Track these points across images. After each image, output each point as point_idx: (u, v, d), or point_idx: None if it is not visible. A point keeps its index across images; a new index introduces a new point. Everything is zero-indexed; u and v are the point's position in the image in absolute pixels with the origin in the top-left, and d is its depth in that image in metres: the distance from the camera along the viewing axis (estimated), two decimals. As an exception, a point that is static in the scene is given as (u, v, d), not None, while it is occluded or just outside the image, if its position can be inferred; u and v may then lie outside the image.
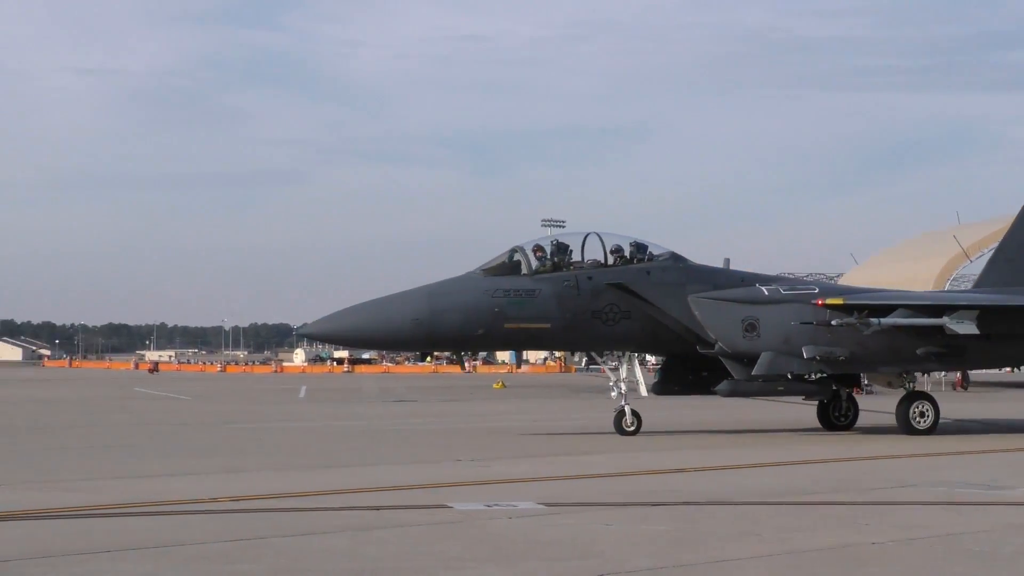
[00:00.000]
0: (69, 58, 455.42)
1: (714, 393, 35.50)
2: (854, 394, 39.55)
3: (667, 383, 37.45)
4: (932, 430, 35.87)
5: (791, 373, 34.91)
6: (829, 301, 35.10)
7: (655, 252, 36.16)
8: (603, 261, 35.40)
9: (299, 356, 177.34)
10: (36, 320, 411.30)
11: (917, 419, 36.05)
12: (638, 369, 36.27)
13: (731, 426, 39.68)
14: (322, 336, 38.08)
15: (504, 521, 18.31)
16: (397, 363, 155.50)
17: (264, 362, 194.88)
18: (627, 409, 35.76)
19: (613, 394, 36.11)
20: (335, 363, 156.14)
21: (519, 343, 38.30)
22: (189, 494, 21.38)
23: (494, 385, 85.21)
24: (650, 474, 25.29)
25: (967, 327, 35.16)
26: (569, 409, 53.64)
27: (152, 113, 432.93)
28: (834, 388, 37.03)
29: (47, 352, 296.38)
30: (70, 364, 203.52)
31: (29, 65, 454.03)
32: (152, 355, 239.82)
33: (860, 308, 35.12)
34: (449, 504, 19.93)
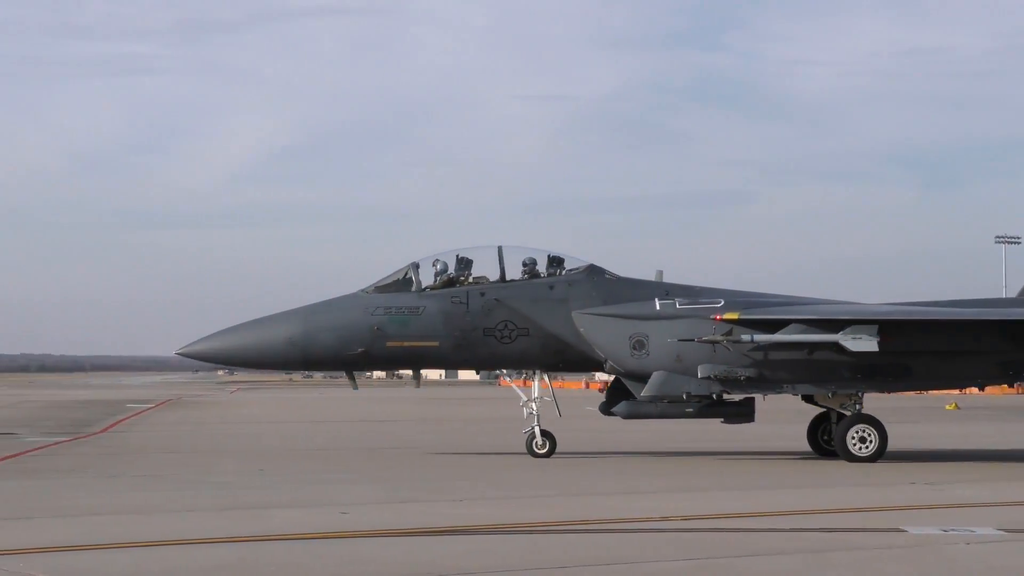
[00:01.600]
0: (517, 86, 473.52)
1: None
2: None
3: (613, 404, 34.60)
4: (876, 457, 32.75)
5: (687, 394, 32.45)
6: (725, 316, 32.27)
7: (571, 266, 34.42)
8: (505, 276, 33.95)
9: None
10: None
11: (857, 445, 32.90)
12: (551, 388, 35.08)
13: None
14: (197, 356, 35.63)
15: (961, 547, 17.70)
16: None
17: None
18: (537, 431, 34.22)
19: (525, 414, 34.57)
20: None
21: (404, 362, 35.84)
22: (637, 512, 21.72)
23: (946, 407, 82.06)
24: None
25: (864, 344, 31.84)
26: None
27: (600, 137, 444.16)
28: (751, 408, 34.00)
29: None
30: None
31: (481, 94, 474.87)
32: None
33: (758, 324, 32.25)
34: (903, 528, 19.41)
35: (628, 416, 34.24)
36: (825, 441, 35.55)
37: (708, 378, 32.45)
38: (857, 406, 33.57)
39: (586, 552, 17.28)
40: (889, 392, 37.81)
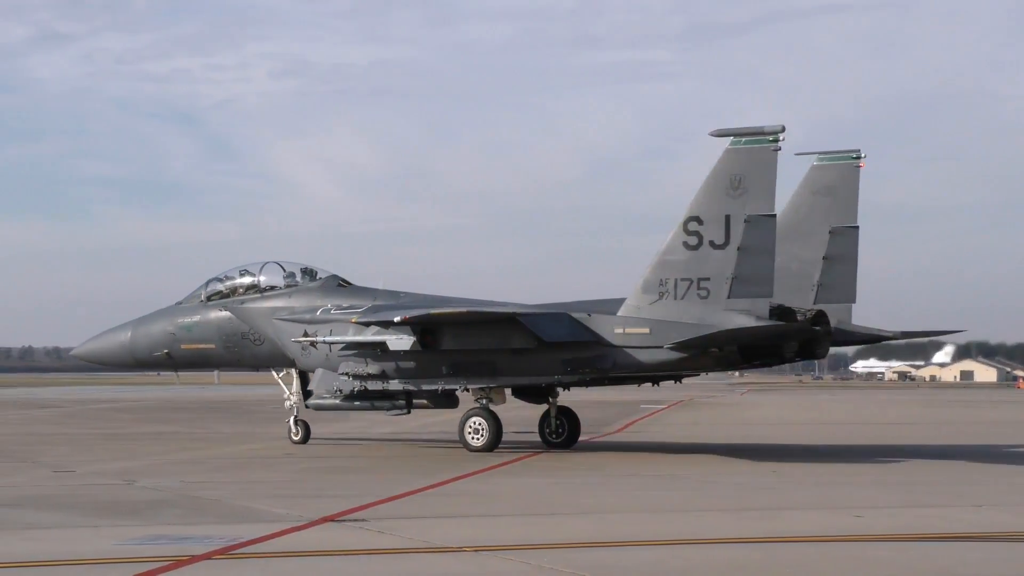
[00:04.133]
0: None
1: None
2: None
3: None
4: (490, 447, 36.08)
5: (340, 389, 36.75)
6: (354, 319, 35.60)
7: (320, 276, 39.50)
8: (266, 286, 39.17)
9: None
10: (1011, 341, 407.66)
11: (471, 435, 36.49)
12: (297, 385, 39.33)
13: None
14: (78, 357, 43.16)
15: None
16: None
17: None
18: (290, 421, 39.78)
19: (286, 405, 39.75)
20: None
21: (196, 363, 41.13)
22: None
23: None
24: None
25: (403, 344, 35.24)
26: None
27: None
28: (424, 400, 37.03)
29: (1021, 373, 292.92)
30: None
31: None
32: None
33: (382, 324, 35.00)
34: None
35: (318, 409, 38.43)
36: (548, 435, 39.15)
37: (347, 375, 36.69)
38: (484, 400, 36.82)
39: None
40: (483, 385, 36.89)
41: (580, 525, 20.79)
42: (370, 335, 35.63)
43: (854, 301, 38.55)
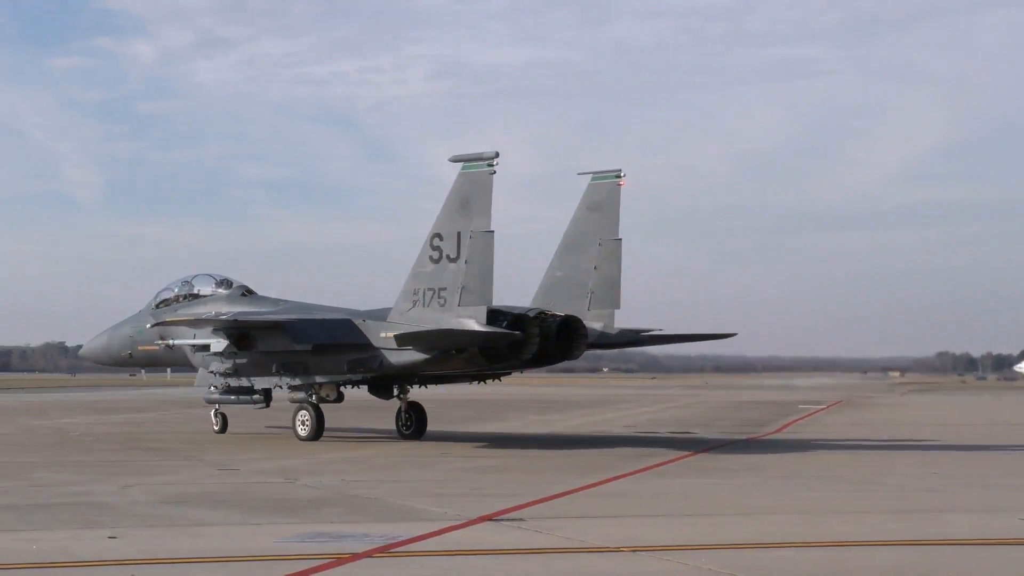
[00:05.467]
0: None
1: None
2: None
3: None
4: (314, 437, 41.13)
5: (214, 386, 42.58)
6: (149, 325, 43.78)
7: (234, 286, 44.86)
8: (195, 295, 45.01)
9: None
10: None
11: (300, 426, 41.68)
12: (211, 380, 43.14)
13: None
14: (81, 357, 51.21)
15: None
16: None
17: None
18: (211, 413, 45.07)
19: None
20: None
21: (151, 363, 47.69)
22: None
23: None
24: None
25: (220, 345, 41.20)
26: None
27: None
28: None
29: None
30: None
31: None
32: None
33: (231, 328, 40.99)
34: None
35: (207, 402, 44.05)
36: (400, 428, 43.83)
37: (213, 373, 42.28)
38: (313, 396, 41.34)
39: None
40: (298, 383, 41.40)
41: (737, 526, 20.65)
42: (213, 339, 41.29)
43: (618, 307, 42.26)
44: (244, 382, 41.90)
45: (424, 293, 37.57)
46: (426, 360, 38.35)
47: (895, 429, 53.04)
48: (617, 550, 17.69)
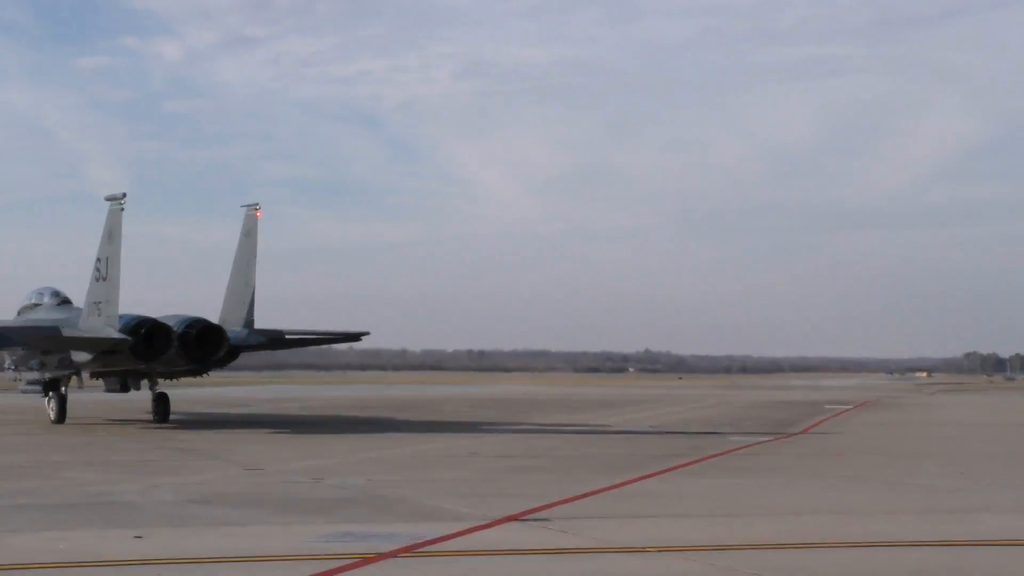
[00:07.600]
0: None
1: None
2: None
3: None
4: (59, 420, 50.24)
5: (24, 379, 53.25)
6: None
7: (60, 297, 53.41)
8: (37, 303, 53.93)
9: None
10: None
11: (49, 411, 51.22)
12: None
13: None
14: None
15: None
16: None
17: None
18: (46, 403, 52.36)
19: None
20: None
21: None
22: None
23: None
24: None
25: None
26: None
27: None
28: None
29: None
30: None
31: None
32: None
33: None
34: None
35: (23, 392, 54.10)
36: (150, 414, 52.13)
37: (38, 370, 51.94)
38: (63, 388, 51.29)
39: None
40: (54, 377, 51.39)
41: (765, 526, 20.54)
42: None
43: (252, 318, 51.79)
44: (35, 375, 52.36)
45: (94, 305, 47.88)
46: (92, 360, 48.64)
47: (922, 429, 52.79)
48: (643, 550, 17.62)
